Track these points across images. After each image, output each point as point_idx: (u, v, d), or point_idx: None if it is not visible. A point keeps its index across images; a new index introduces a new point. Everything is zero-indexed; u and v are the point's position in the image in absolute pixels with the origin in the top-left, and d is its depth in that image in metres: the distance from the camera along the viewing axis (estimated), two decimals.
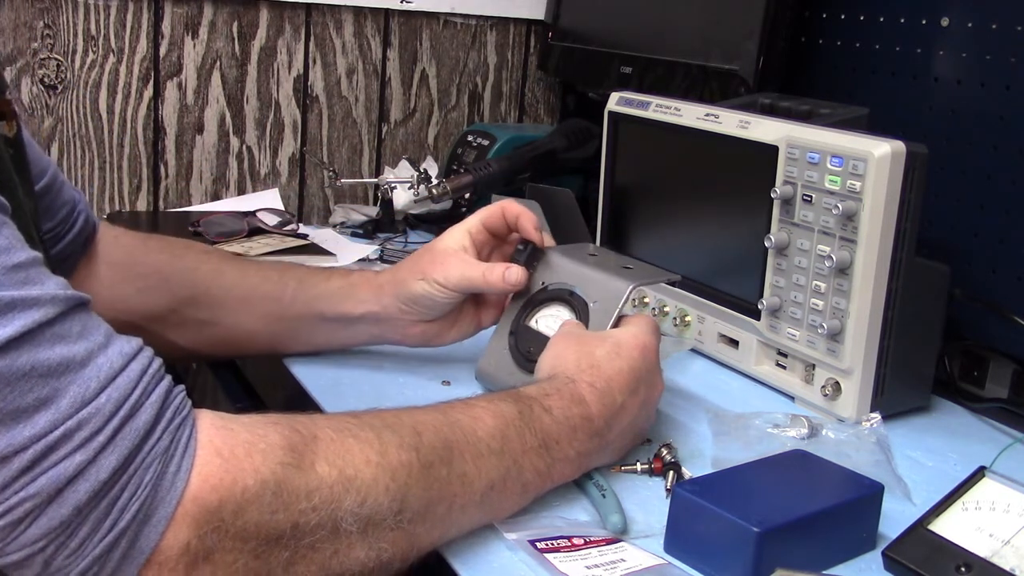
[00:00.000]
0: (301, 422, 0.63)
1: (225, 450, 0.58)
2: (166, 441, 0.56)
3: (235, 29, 1.60)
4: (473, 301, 1.01)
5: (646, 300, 1.21)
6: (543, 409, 0.77)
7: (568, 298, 0.96)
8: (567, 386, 0.80)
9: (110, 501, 0.54)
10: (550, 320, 0.96)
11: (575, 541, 0.72)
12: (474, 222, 0.99)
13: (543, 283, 0.98)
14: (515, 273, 0.95)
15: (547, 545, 0.71)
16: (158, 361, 0.60)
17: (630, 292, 0.93)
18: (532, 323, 0.97)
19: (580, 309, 0.94)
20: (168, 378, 0.59)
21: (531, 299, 0.98)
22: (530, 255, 0.99)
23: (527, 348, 0.95)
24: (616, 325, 0.92)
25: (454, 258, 0.96)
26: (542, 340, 0.94)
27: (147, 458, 0.55)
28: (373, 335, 1.01)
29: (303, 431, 0.62)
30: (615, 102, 1.23)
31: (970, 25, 1.15)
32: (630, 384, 0.83)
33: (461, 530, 0.72)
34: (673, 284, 1.09)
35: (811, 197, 0.97)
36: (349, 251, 1.44)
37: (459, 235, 0.98)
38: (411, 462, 0.65)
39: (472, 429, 0.71)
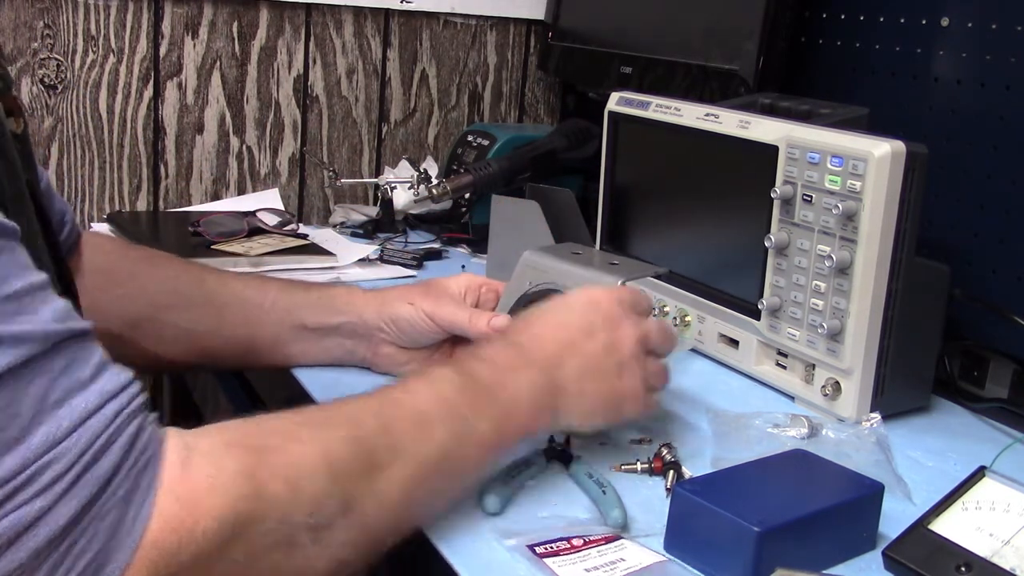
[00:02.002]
0: (253, 434, 0.63)
1: (185, 493, 0.57)
2: (127, 486, 0.55)
3: (235, 29, 1.60)
4: (450, 346, 1.00)
5: None
6: (477, 360, 0.77)
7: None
8: (501, 338, 0.81)
9: (67, 546, 0.53)
10: None
11: (574, 542, 0.72)
12: (481, 279, 1.02)
13: (530, 283, 0.98)
14: (501, 321, 0.95)
15: (546, 549, 0.71)
16: (140, 398, 0.58)
17: (620, 286, 0.93)
18: None
19: None
20: (140, 416, 0.58)
21: (518, 300, 0.98)
22: None
23: None
24: None
25: (447, 297, 0.98)
26: None
27: (106, 505, 0.54)
28: (346, 349, 1.00)
29: (255, 444, 0.61)
30: (615, 102, 1.23)
31: (970, 25, 1.15)
32: (578, 323, 0.82)
33: (434, 505, 0.71)
34: (660, 277, 1.09)
35: (811, 197, 0.97)
36: (349, 251, 1.44)
37: (461, 281, 1.01)
38: (355, 455, 0.64)
39: (410, 403, 0.70)
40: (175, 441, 0.58)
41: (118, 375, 0.58)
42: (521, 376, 0.78)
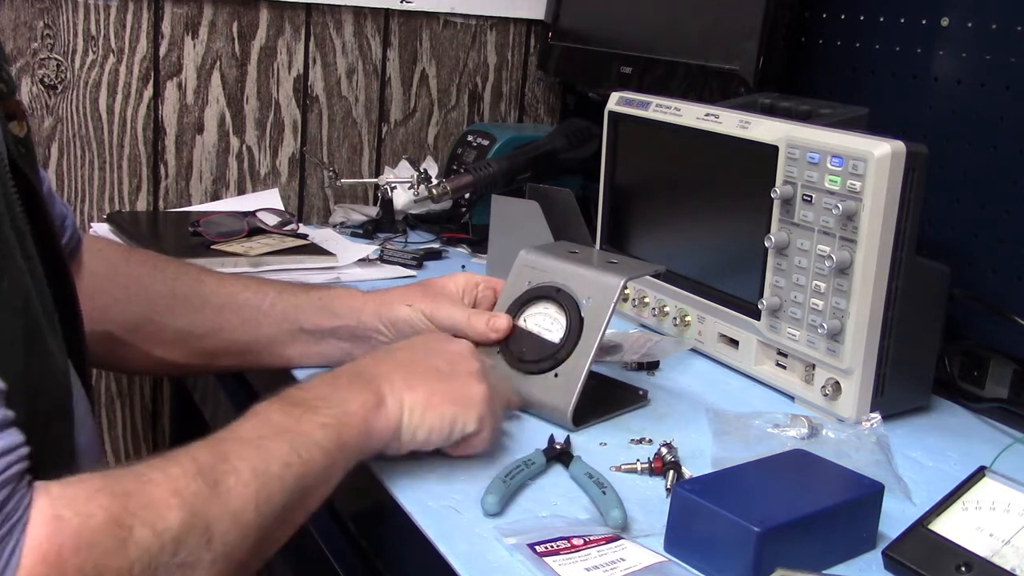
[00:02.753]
0: (113, 479, 0.62)
1: (52, 553, 0.56)
2: None
3: (235, 29, 1.60)
4: None
5: (646, 300, 1.21)
6: (295, 388, 0.77)
7: (554, 295, 0.96)
8: (321, 373, 0.82)
9: None
10: (539, 318, 0.96)
11: (574, 542, 0.72)
12: (479, 277, 1.01)
13: (529, 282, 0.98)
14: (500, 321, 0.95)
15: (546, 548, 0.71)
16: (19, 465, 0.58)
17: (623, 286, 0.93)
18: (521, 323, 0.97)
19: (568, 305, 0.94)
20: (16, 483, 0.57)
21: (517, 300, 0.98)
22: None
23: (519, 349, 0.95)
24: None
25: (446, 298, 0.98)
26: (533, 339, 0.94)
27: None
28: (343, 351, 1.00)
29: (117, 490, 0.60)
30: (615, 102, 1.23)
31: (970, 25, 1.15)
32: (394, 345, 0.87)
33: (291, 519, 0.70)
34: (659, 276, 1.09)
35: (811, 197, 0.97)
36: (349, 251, 1.44)
37: (459, 280, 1.01)
38: (200, 488, 0.64)
39: (238, 434, 0.70)
40: (43, 500, 0.57)
41: (6, 438, 0.58)
42: (341, 386, 0.78)
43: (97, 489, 0.59)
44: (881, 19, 1.26)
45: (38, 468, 0.60)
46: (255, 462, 0.67)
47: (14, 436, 0.58)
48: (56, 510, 0.57)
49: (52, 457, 0.67)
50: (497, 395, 0.85)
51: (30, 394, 0.64)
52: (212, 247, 1.37)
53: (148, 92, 1.56)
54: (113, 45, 1.53)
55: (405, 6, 1.70)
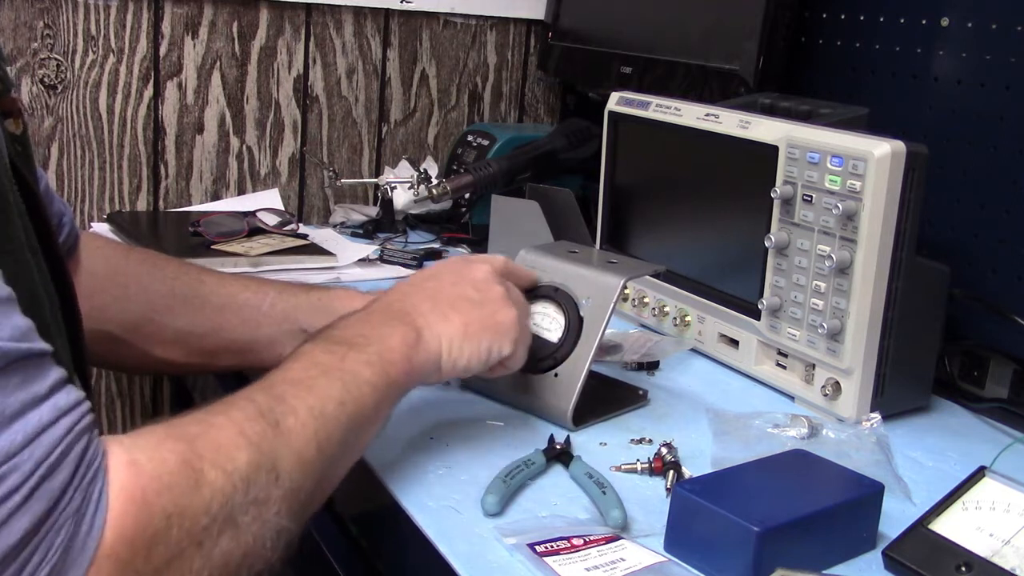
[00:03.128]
0: (181, 426, 0.64)
1: (137, 494, 0.58)
2: (78, 500, 0.56)
3: (235, 29, 1.60)
4: None
5: (646, 300, 1.21)
6: (331, 327, 0.80)
7: (553, 295, 0.96)
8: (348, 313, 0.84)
9: (20, 564, 0.53)
10: (538, 317, 0.96)
11: (574, 542, 0.72)
12: None
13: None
14: None
15: (546, 548, 0.71)
16: (89, 416, 0.59)
17: (623, 286, 0.93)
18: None
19: (567, 305, 0.94)
20: (90, 432, 0.59)
21: None
22: None
23: None
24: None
25: None
26: (533, 339, 0.94)
27: (59, 520, 0.55)
28: None
29: (184, 435, 0.63)
30: (615, 102, 1.23)
31: (970, 25, 1.15)
32: (420, 276, 0.88)
33: (349, 454, 0.73)
34: (659, 276, 1.09)
35: (811, 197, 0.97)
36: (349, 251, 1.44)
37: None
38: (264, 429, 0.66)
39: (289, 376, 0.72)
40: (116, 447, 0.59)
41: (70, 393, 0.59)
42: (376, 323, 0.80)
43: (165, 435, 0.62)
44: (881, 19, 1.26)
45: None
46: (311, 402, 0.70)
47: (76, 392, 0.59)
48: (131, 455, 0.59)
49: None
50: (524, 313, 0.89)
51: None
52: (212, 247, 1.37)
53: (148, 92, 1.56)
54: (113, 45, 1.53)
55: (405, 6, 1.70)
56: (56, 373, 0.58)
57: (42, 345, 0.58)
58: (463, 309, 0.84)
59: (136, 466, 0.59)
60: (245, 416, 0.66)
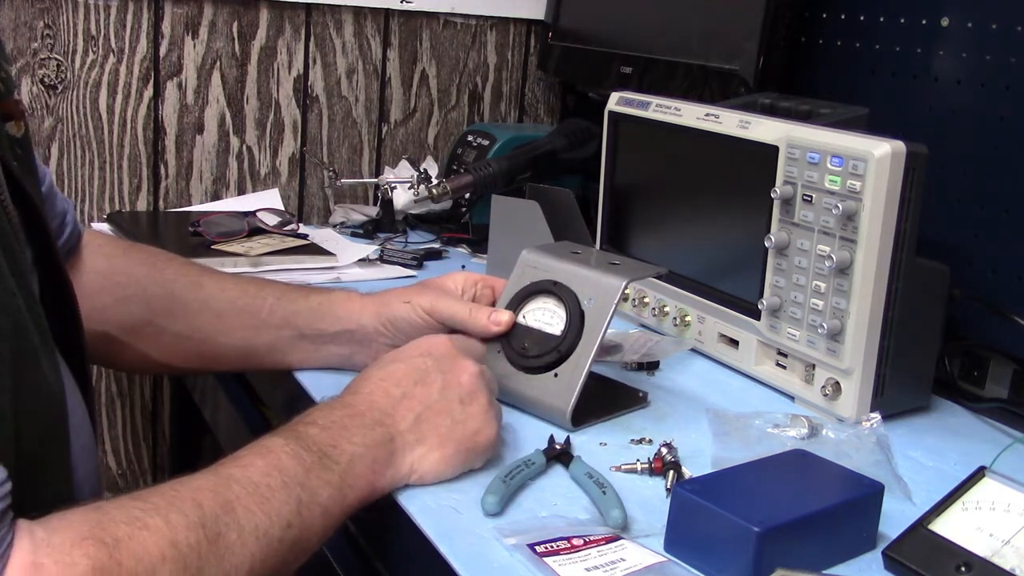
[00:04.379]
0: (104, 526, 0.59)
1: None
2: None
3: (235, 29, 1.60)
4: None
5: (646, 300, 1.21)
6: (307, 424, 0.75)
7: (552, 288, 0.96)
8: (329, 401, 0.80)
9: None
10: (539, 313, 0.96)
11: (574, 542, 0.72)
12: (478, 276, 1.01)
13: (530, 282, 0.98)
14: (502, 315, 0.95)
15: (546, 548, 0.71)
16: (5, 501, 0.56)
17: (624, 287, 0.93)
18: (521, 319, 0.97)
19: (566, 297, 0.94)
20: (1, 518, 0.56)
21: (515, 297, 0.98)
22: None
23: (521, 345, 0.95)
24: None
25: (445, 294, 0.98)
26: (535, 334, 0.94)
27: None
28: (343, 356, 0.99)
29: (107, 538, 0.58)
30: (615, 102, 1.23)
31: (970, 25, 1.15)
32: (410, 375, 0.82)
33: (283, 574, 0.69)
34: (660, 277, 1.10)
35: (811, 197, 0.97)
36: (349, 251, 1.44)
37: (458, 278, 1.01)
38: (199, 541, 0.62)
39: (246, 477, 0.68)
40: (26, 542, 0.56)
41: None
42: (354, 435, 0.76)
43: (84, 537, 0.57)
44: (881, 19, 1.26)
45: (30, 490, 0.59)
46: (258, 519, 0.66)
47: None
48: (37, 557, 0.56)
49: (45, 478, 0.66)
50: (500, 417, 0.85)
51: (20, 418, 0.63)
52: (212, 247, 1.37)
53: (148, 92, 1.57)
54: (113, 45, 1.53)
55: (405, 6, 1.70)
56: None
57: None
58: (443, 430, 0.80)
59: (38, 569, 0.55)
60: (185, 523, 0.62)
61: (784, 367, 1.05)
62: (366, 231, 1.55)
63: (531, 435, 0.90)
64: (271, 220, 1.48)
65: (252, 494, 0.67)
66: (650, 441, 0.91)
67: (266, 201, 1.58)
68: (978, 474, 0.77)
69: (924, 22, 1.20)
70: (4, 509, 0.56)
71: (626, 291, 1.01)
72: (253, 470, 0.69)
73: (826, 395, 0.98)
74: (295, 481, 0.70)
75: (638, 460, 0.85)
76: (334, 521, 0.73)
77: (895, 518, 0.77)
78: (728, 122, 1.07)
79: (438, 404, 0.81)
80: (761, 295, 1.04)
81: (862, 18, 1.29)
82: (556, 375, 0.93)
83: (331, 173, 1.68)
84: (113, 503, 0.62)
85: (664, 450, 0.86)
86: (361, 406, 0.79)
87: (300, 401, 0.96)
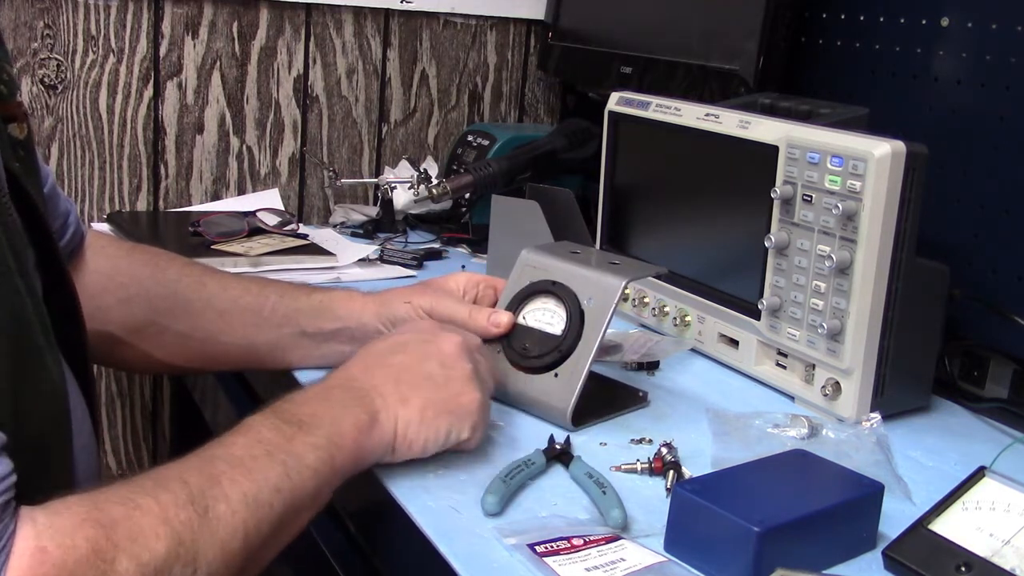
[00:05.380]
0: (100, 507, 0.61)
1: None
2: None
3: (235, 29, 1.60)
4: None
5: (646, 300, 1.21)
6: (284, 400, 0.76)
7: (551, 287, 0.96)
8: (309, 384, 0.81)
9: None
10: (539, 313, 0.96)
11: (575, 542, 0.72)
12: (479, 276, 1.01)
13: (530, 282, 0.98)
14: (502, 316, 0.95)
15: (546, 548, 0.71)
16: (4, 494, 0.58)
17: (624, 287, 0.93)
18: (521, 320, 0.97)
19: (565, 296, 0.94)
20: (4, 509, 0.57)
21: (515, 297, 0.98)
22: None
23: (522, 345, 0.95)
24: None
25: (447, 294, 0.98)
26: (535, 335, 0.94)
27: None
28: (343, 354, 0.98)
29: (104, 520, 0.60)
30: (615, 102, 1.23)
31: (970, 25, 1.15)
32: (390, 348, 0.83)
33: (280, 540, 0.70)
34: (660, 277, 1.10)
35: (811, 197, 0.97)
36: (349, 251, 1.44)
37: (460, 278, 1.01)
38: (190, 517, 0.63)
39: (229, 454, 0.69)
40: (29, 530, 0.57)
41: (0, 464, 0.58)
42: (334, 404, 0.76)
43: (83, 519, 0.59)
44: (881, 19, 1.26)
45: (31, 487, 0.60)
46: (246, 487, 0.67)
47: (2, 464, 0.58)
48: (40, 541, 0.57)
49: (46, 475, 0.67)
50: (488, 391, 0.85)
51: (21, 415, 0.63)
52: (212, 247, 1.37)
53: (148, 92, 1.57)
54: (113, 45, 1.53)
55: (405, 6, 1.70)
56: None
57: None
58: (425, 390, 0.80)
59: (42, 553, 0.57)
60: (174, 501, 0.63)
61: (784, 367, 1.05)
62: (366, 231, 1.56)
63: (531, 435, 0.90)
64: (271, 220, 1.48)
65: (237, 467, 0.68)
66: (650, 441, 0.91)
67: (266, 201, 1.58)
68: (978, 474, 0.77)
69: (924, 22, 1.20)
70: (8, 501, 0.57)
71: (626, 291, 1.01)
72: (236, 447, 0.70)
73: (826, 395, 0.98)
74: (279, 449, 0.70)
75: (638, 460, 0.85)
76: (326, 482, 0.73)
77: (895, 518, 0.77)
78: (728, 122, 1.07)
79: (417, 367, 0.81)
80: (761, 295, 1.04)
81: (862, 18, 1.29)
82: (556, 375, 0.93)
83: (331, 173, 1.68)
84: (106, 487, 0.63)
85: (664, 450, 0.86)
86: (339, 379, 0.81)
87: None
